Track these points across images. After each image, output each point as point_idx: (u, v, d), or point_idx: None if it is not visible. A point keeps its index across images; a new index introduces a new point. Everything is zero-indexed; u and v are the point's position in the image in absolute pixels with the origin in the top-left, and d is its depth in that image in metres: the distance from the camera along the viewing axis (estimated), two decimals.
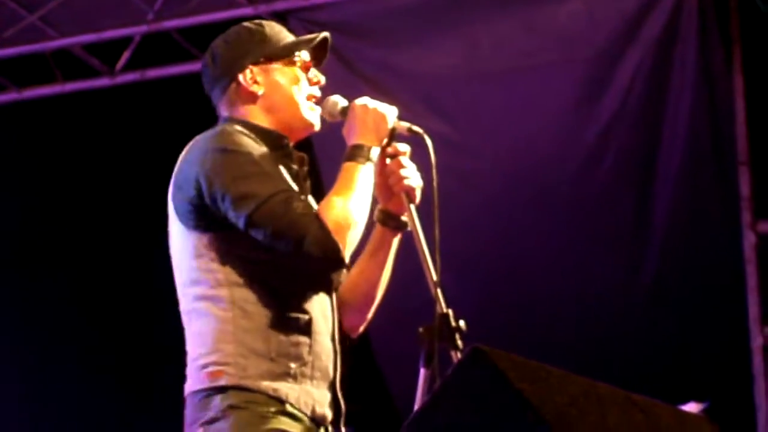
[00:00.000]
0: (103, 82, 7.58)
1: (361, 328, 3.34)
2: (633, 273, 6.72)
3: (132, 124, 7.63)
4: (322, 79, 3.29)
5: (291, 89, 3.24)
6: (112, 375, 7.84)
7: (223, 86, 3.26)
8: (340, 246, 2.99)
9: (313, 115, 3.25)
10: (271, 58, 3.25)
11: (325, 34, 3.32)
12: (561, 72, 6.68)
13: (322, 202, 3.07)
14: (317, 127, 3.27)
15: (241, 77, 3.23)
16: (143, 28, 7.31)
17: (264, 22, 3.33)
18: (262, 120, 3.22)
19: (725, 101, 6.58)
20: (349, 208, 3.03)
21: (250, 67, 3.24)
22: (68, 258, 7.89)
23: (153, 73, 7.51)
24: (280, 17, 6.85)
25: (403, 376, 6.65)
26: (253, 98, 3.23)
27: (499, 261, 6.85)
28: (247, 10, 7.05)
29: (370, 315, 3.33)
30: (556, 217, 6.76)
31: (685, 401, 4.47)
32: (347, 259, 3.05)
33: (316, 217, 3.00)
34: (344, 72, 6.72)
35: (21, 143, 7.86)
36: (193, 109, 6.04)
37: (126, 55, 7.50)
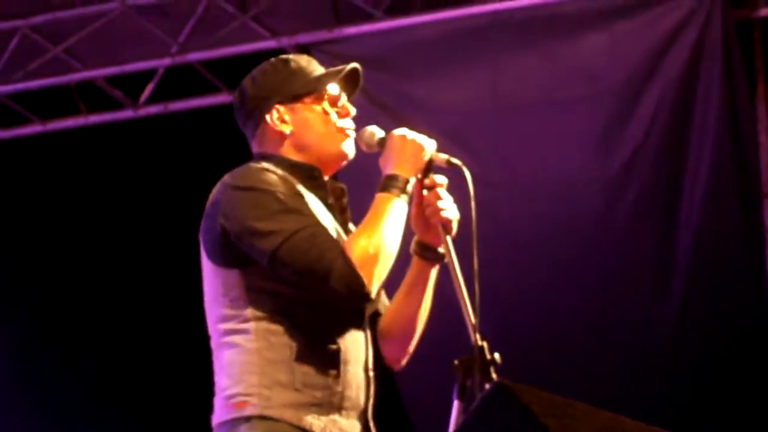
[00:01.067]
0: (126, 114, 7.60)
1: (404, 361, 3.33)
2: (656, 306, 6.68)
3: (155, 156, 7.65)
4: (353, 111, 3.27)
5: (319, 125, 3.23)
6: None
7: (253, 126, 3.26)
8: (366, 281, 2.99)
9: (345, 145, 3.24)
10: (298, 95, 3.23)
11: (354, 65, 3.29)
12: (584, 106, 6.67)
13: (350, 236, 3.08)
14: (351, 155, 3.25)
15: (268, 117, 3.23)
16: (167, 61, 7.34)
17: (291, 57, 3.32)
18: (293, 156, 3.21)
19: (749, 133, 6.57)
20: (377, 240, 3.02)
21: (277, 106, 3.23)
22: (89, 290, 7.89)
23: (176, 105, 7.53)
24: (303, 50, 6.87)
25: (425, 408, 6.67)
26: (282, 137, 3.22)
27: (519, 292, 6.81)
28: (271, 43, 7.09)
29: (411, 348, 3.31)
30: (578, 250, 6.73)
31: None
32: (374, 293, 3.04)
33: (341, 252, 3.00)
34: (366, 104, 6.72)
35: (45, 175, 7.89)
36: (217, 142, 6.10)
37: (150, 88, 7.52)
